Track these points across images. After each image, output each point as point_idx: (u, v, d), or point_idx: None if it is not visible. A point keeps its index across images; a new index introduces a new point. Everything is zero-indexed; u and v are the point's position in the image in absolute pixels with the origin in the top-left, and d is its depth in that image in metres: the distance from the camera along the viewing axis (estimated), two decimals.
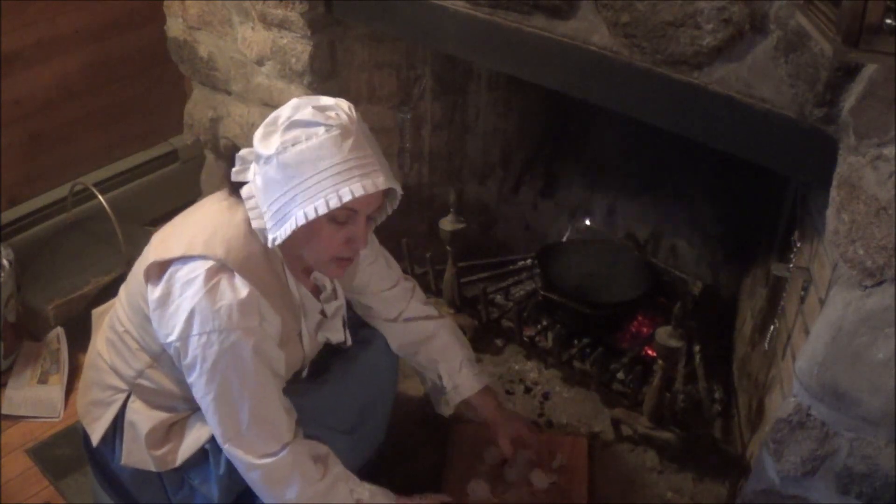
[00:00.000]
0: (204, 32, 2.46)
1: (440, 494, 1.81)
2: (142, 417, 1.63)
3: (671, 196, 2.52)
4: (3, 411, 2.23)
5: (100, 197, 2.47)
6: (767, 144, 1.51)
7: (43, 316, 2.41)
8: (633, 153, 2.51)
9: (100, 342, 1.70)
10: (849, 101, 1.31)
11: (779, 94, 1.45)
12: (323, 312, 1.71)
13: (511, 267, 2.62)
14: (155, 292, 1.49)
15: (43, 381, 2.31)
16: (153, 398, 1.64)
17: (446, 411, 1.95)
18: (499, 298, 2.48)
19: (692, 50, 1.52)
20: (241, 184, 1.52)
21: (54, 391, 2.28)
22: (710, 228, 2.48)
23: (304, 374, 1.74)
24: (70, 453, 2.12)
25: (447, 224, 2.30)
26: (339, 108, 1.46)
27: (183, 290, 1.46)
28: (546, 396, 2.25)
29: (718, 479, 2.01)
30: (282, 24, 2.18)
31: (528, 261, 2.59)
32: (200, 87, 2.59)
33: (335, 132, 1.42)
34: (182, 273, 1.47)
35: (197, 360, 1.47)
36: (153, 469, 1.63)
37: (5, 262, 2.31)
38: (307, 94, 2.23)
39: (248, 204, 1.50)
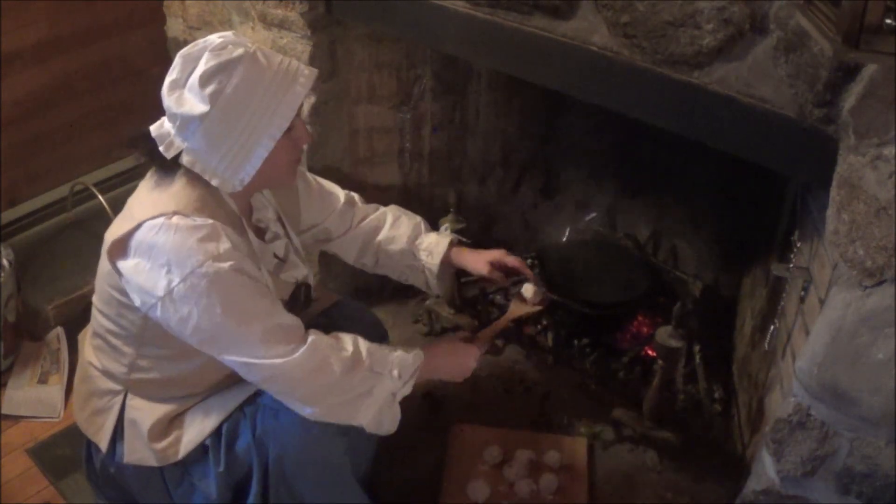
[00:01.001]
0: (204, 32, 2.46)
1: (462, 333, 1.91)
2: (143, 413, 1.63)
3: (671, 196, 2.51)
4: (3, 411, 2.23)
5: (100, 197, 2.48)
6: (767, 144, 1.51)
7: (43, 316, 2.41)
8: (633, 153, 2.51)
9: (87, 353, 1.71)
10: (849, 101, 1.31)
11: (779, 94, 1.45)
12: (276, 255, 1.72)
13: None
14: (126, 265, 1.48)
15: (43, 381, 2.31)
16: (151, 391, 1.64)
17: (438, 286, 1.99)
18: (498, 298, 2.48)
19: (692, 50, 1.52)
20: (174, 158, 1.51)
21: (54, 391, 2.28)
22: (710, 228, 2.48)
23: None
24: (70, 453, 2.12)
25: (447, 224, 2.29)
26: (228, 39, 1.48)
27: (150, 248, 1.45)
28: (546, 396, 2.25)
29: (718, 479, 2.01)
30: (282, 24, 2.18)
31: (528, 261, 2.59)
32: None
33: (247, 58, 1.45)
34: (141, 235, 1.46)
35: (191, 303, 1.45)
36: (155, 464, 1.63)
37: (5, 262, 2.31)
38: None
39: (196, 168, 1.49)
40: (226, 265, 1.46)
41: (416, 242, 1.96)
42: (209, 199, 1.52)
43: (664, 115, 1.64)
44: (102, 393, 1.67)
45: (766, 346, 1.88)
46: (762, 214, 2.23)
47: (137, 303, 1.50)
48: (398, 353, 1.63)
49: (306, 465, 1.62)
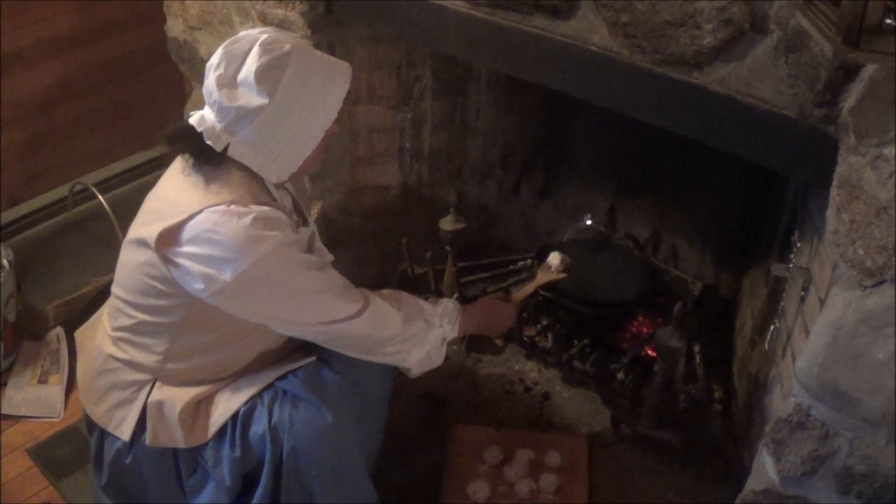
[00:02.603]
0: (204, 32, 2.46)
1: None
2: (172, 396, 1.63)
3: (671, 196, 2.51)
4: (3, 411, 2.23)
5: (100, 197, 2.48)
6: (767, 144, 1.51)
7: (43, 316, 2.41)
8: (633, 153, 2.51)
9: (106, 346, 1.69)
10: (849, 101, 1.31)
11: (779, 94, 1.45)
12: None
13: (511, 267, 2.62)
14: (183, 253, 1.51)
15: (43, 380, 2.31)
16: (182, 377, 1.65)
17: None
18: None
19: (692, 50, 1.51)
20: (216, 155, 1.54)
21: (54, 391, 2.28)
22: (710, 228, 2.48)
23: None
24: (70, 453, 2.12)
25: (447, 224, 2.30)
26: (275, 34, 1.54)
27: (212, 235, 1.49)
28: (546, 396, 2.25)
29: (718, 479, 2.01)
30: (282, 24, 2.18)
31: (528, 261, 2.59)
32: (200, 88, 2.58)
33: (296, 52, 1.52)
34: (201, 224, 1.50)
35: (262, 285, 1.52)
36: (182, 445, 1.63)
37: (5, 262, 2.31)
38: None
39: (244, 160, 1.54)
40: (292, 247, 1.55)
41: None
42: (258, 190, 1.58)
43: (664, 115, 1.64)
44: (126, 385, 1.66)
45: (766, 346, 1.88)
46: (762, 214, 2.23)
47: (196, 288, 1.52)
48: (444, 304, 1.81)
49: (321, 457, 1.63)
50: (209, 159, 1.55)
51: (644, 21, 1.55)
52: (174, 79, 2.77)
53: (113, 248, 2.47)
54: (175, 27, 2.55)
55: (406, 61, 2.35)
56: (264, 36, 1.52)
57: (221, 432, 1.65)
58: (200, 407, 1.65)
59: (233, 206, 1.50)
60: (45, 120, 2.60)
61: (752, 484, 1.64)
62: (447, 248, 2.33)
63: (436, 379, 2.26)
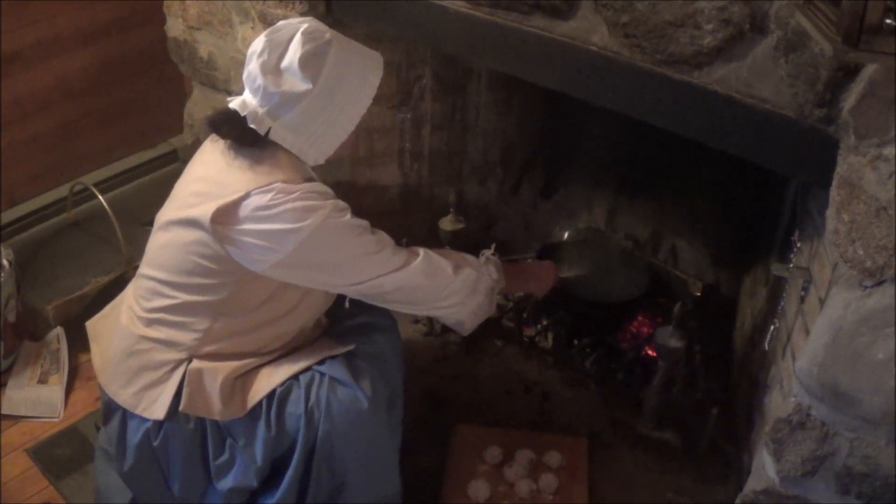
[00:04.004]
0: (204, 32, 2.46)
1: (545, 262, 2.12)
2: (211, 366, 1.65)
3: (671, 196, 2.51)
4: (3, 411, 2.23)
5: (100, 197, 2.48)
6: (767, 144, 1.51)
7: (43, 316, 2.41)
8: (633, 153, 2.51)
9: (137, 328, 1.69)
10: (849, 101, 1.31)
11: (779, 94, 1.45)
12: None
13: None
14: (242, 230, 1.55)
15: (43, 381, 2.31)
16: (220, 354, 1.67)
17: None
18: (499, 298, 2.47)
19: (692, 50, 1.52)
20: (258, 138, 1.60)
21: (54, 391, 2.28)
22: (710, 228, 2.48)
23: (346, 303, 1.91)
24: (70, 453, 2.12)
25: (447, 224, 2.30)
26: (315, 24, 1.61)
27: (270, 210, 1.54)
28: (546, 396, 2.25)
29: (718, 479, 2.01)
30: None
31: (528, 260, 2.59)
32: (200, 87, 2.59)
33: (335, 41, 1.59)
34: (256, 201, 1.55)
35: (325, 248, 1.59)
36: (217, 417, 1.64)
37: (5, 262, 2.31)
38: None
39: (285, 143, 1.61)
40: (345, 212, 1.62)
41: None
42: (304, 171, 1.65)
43: (664, 115, 1.64)
44: (159, 364, 1.66)
45: (766, 346, 1.88)
46: (762, 214, 2.23)
47: (257, 261, 1.57)
48: (486, 254, 1.88)
49: (355, 442, 1.66)
50: (252, 143, 1.61)
51: (644, 21, 1.55)
52: (174, 79, 2.77)
53: (113, 247, 2.49)
54: (175, 27, 2.55)
55: (406, 61, 2.35)
56: (305, 25, 1.58)
57: (256, 412, 1.65)
58: (238, 382, 1.67)
59: (285, 185, 1.57)
60: (45, 120, 2.60)
61: (752, 484, 1.64)
62: (447, 248, 2.33)
63: (436, 379, 2.26)
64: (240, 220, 1.56)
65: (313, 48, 1.55)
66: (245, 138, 1.61)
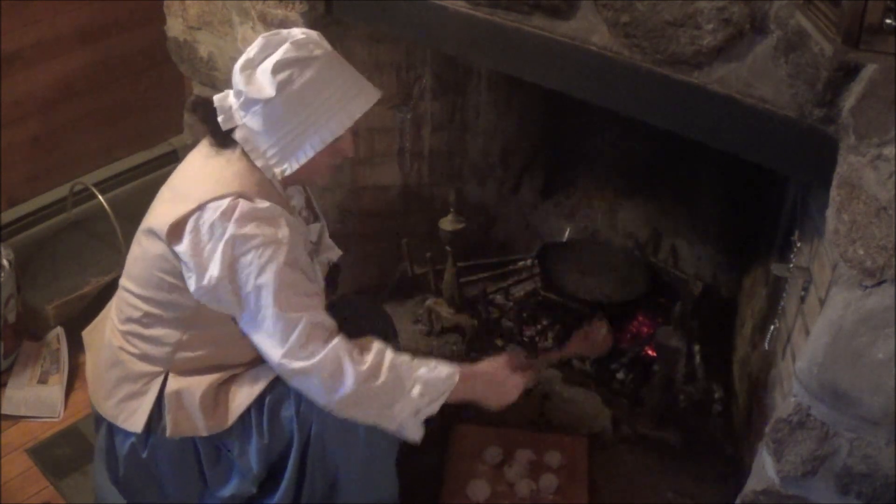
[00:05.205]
0: (204, 32, 2.46)
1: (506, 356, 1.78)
2: (188, 384, 1.62)
3: (671, 196, 2.51)
4: (3, 411, 2.23)
5: (100, 197, 2.48)
6: (767, 144, 1.51)
7: (43, 316, 2.41)
8: (634, 153, 2.51)
9: (115, 339, 1.68)
10: (849, 101, 1.31)
11: (779, 94, 1.45)
12: (310, 241, 1.75)
13: (511, 267, 2.62)
14: (182, 247, 1.52)
15: (43, 381, 2.31)
16: (195, 366, 1.64)
17: None
18: (499, 298, 2.48)
19: (692, 50, 1.51)
20: (228, 131, 1.58)
21: (54, 391, 2.28)
22: (710, 228, 2.48)
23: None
24: (70, 453, 2.12)
25: (447, 224, 2.30)
26: (311, 37, 1.55)
27: (211, 231, 1.50)
28: (546, 396, 2.24)
29: (718, 478, 2.01)
30: (282, 24, 2.18)
31: (528, 261, 2.59)
32: (200, 87, 2.58)
33: (324, 60, 1.54)
34: (204, 218, 1.51)
35: (242, 286, 1.51)
36: (204, 433, 1.62)
37: (5, 262, 2.31)
38: None
39: (246, 147, 1.57)
40: (282, 255, 1.51)
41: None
42: (266, 183, 1.59)
43: (664, 115, 1.64)
44: (137, 377, 1.65)
45: (766, 346, 1.88)
46: (762, 214, 2.23)
47: (192, 284, 1.53)
48: (424, 372, 1.60)
49: (347, 442, 1.64)
50: (217, 137, 1.59)
51: (644, 21, 1.55)
52: (174, 79, 2.77)
53: (113, 247, 2.49)
54: (175, 27, 2.55)
55: (406, 61, 2.35)
56: (302, 35, 1.55)
57: (246, 420, 1.64)
58: (220, 393, 1.65)
59: (238, 200, 1.51)
60: (45, 120, 2.60)
61: (752, 484, 1.64)
62: (447, 248, 2.33)
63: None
64: (184, 235, 1.52)
65: (293, 58, 1.51)
66: (217, 133, 1.59)
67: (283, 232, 1.53)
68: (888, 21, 1.16)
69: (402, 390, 1.57)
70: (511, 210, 2.74)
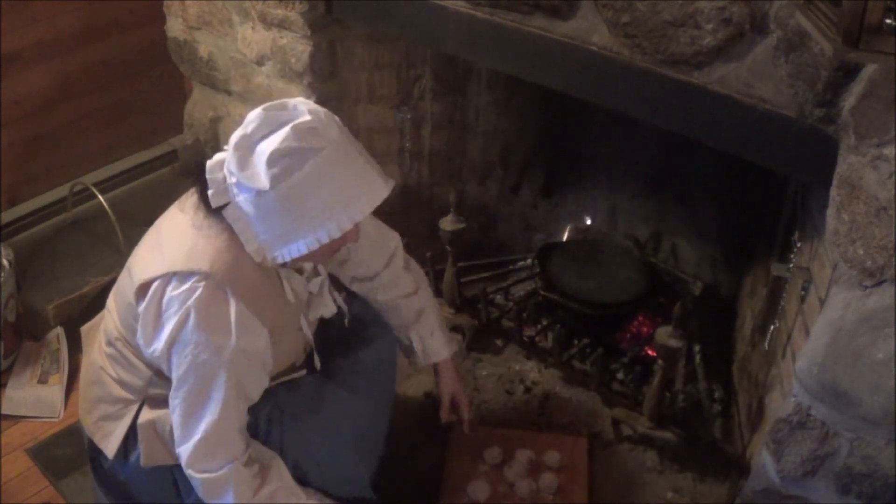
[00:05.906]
0: (204, 32, 2.46)
1: None
2: (162, 414, 1.61)
3: (671, 196, 2.52)
4: (3, 411, 2.23)
5: (100, 197, 2.47)
6: (767, 144, 1.51)
7: (43, 316, 2.41)
8: (633, 153, 2.51)
9: (99, 357, 1.69)
10: (849, 101, 1.31)
11: (779, 94, 1.45)
12: (310, 292, 1.72)
13: (511, 267, 2.62)
14: (140, 308, 1.50)
15: (43, 381, 2.31)
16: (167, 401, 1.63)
17: (416, 365, 1.97)
18: (499, 298, 2.48)
19: (692, 50, 1.52)
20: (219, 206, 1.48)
21: (54, 391, 2.28)
22: (710, 228, 2.48)
23: (317, 364, 1.75)
24: (70, 453, 2.12)
25: (447, 224, 2.29)
26: (318, 119, 1.40)
27: (168, 305, 1.45)
28: (546, 396, 2.24)
29: (718, 478, 2.01)
30: (282, 24, 2.18)
31: (528, 261, 2.59)
32: (200, 87, 2.59)
33: (326, 153, 1.37)
34: (167, 290, 1.46)
35: (174, 369, 1.49)
36: (174, 462, 1.61)
37: (5, 262, 2.31)
38: (305, 94, 2.24)
39: (236, 226, 1.46)
40: (219, 361, 1.46)
41: (422, 335, 1.91)
42: (246, 260, 1.49)
43: (664, 115, 1.64)
44: (115, 400, 1.66)
45: (766, 346, 1.88)
46: (762, 214, 2.23)
47: (142, 345, 1.52)
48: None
49: (323, 467, 1.66)
50: (209, 211, 1.48)
51: (644, 21, 1.55)
52: (174, 79, 2.77)
53: (113, 247, 2.48)
54: (175, 27, 2.55)
55: (406, 61, 2.35)
56: (307, 117, 1.39)
57: None
58: None
59: (203, 285, 1.43)
60: (45, 120, 2.60)
61: (752, 484, 1.64)
62: (447, 248, 2.33)
63: None
64: (143, 300, 1.48)
65: (292, 148, 1.35)
66: (207, 205, 1.47)
67: (230, 341, 1.46)
68: (888, 21, 1.16)
69: None
70: (511, 210, 2.74)
